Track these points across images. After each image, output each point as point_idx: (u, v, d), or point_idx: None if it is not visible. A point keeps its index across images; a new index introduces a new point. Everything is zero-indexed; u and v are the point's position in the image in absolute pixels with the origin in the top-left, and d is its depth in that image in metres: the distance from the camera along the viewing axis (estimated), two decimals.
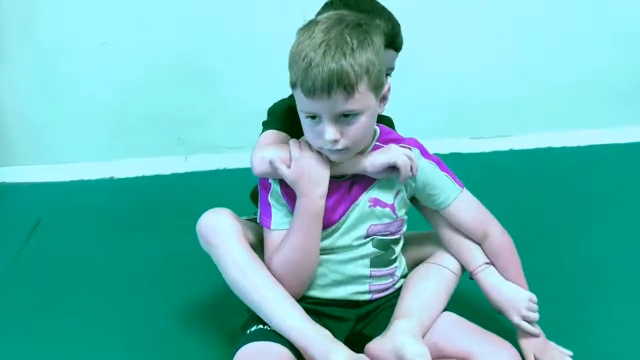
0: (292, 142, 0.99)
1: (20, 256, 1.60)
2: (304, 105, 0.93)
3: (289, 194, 1.01)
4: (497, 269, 1.08)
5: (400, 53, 1.92)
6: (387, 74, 1.09)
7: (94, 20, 1.90)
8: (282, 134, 1.06)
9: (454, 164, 1.96)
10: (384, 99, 0.98)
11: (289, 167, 0.97)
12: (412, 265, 1.13)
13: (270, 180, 1.03)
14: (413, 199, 1.08)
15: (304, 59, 0.89)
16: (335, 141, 0.93)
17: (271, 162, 0.97)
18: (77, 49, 1.92)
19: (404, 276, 1.12)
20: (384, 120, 1.15)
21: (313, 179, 0.96)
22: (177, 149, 2.03)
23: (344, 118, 0.92)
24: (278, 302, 0.99)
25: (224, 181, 1.94)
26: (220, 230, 1.03)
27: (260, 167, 0.99)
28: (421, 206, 1.09)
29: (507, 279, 1.07)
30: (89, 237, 1.67)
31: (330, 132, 0.92)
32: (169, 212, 1.78)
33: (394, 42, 1.12)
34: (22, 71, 1.95)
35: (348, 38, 0.89)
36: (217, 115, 2.00)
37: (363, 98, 0.91)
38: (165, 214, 1.77)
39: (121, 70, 1.95)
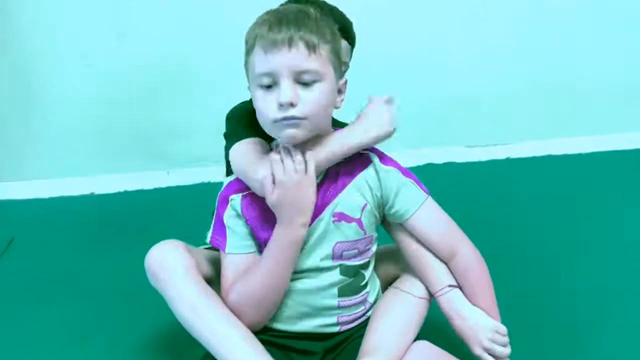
0: (274, 159, 0.89)
1: None
2: (261, 66, 0.86)
3: (253, 214, 0.94)
4: (464, 292, 0.96)
5: (393, 58, 1.86)
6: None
7: (72, 35, 1.86)
8: (258, 144, 0.97)
9: (448, 173, 1.97)
10: (340, 92, 0.92)
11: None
12: (388, 284, 1.04)
13: (230, 197, 0.95)
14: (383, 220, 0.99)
15: (263, 22, 0.87)
16: (292, 105, 0.85)
17: (261, 182, 0.89)
18: (55, 63, 1.88)
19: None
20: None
21: (296, 206, 0.88)
22: (160, 164, 1.97)
23: (302, 85, 0.86)
24: (230, 338, 0.91)
25: (207, 195, 1.84)
26: (167, 265, 0.95)
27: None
28: (385, 221, 1.00)
29: (474, 304, 0.95)
30: (64, 255, 1.61)
31: (287, 92, 0.84)
32: (152, 227, 1.70)
33: (347, 32, 1.05)
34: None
35: (311, 10, 0.89)
36: (199, 128, 1.94)
37: (324, 64, 0.87)
38: (148, 229, 1.69)
39: (100, 84, 1.90)
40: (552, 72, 1.97)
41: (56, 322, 1.33)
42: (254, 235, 0.95)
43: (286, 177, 0.87)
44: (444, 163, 1.98)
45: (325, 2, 1.07)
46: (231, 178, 0.97)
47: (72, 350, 1.23)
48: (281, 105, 0.85)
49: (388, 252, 1.05)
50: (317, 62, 0.85)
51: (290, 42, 0.84)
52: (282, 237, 0.90)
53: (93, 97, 1.91)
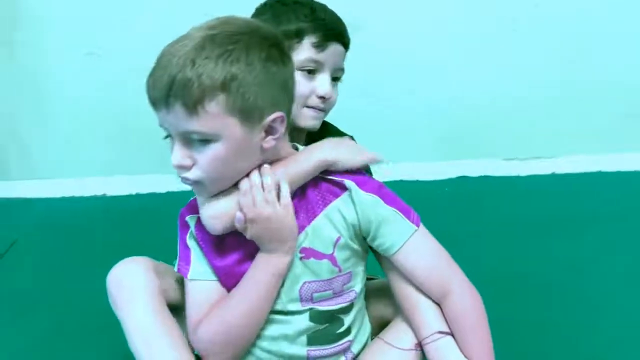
0: (242, 198, 0.78)
1: None
2: (157, 117, 0.77)
3: (204, 237, 0.83)
4: (455, 340, 0.83)
5: (426, 65, 1.76)
6: (336, 77, 0.97)
7: (85, 34, 1.84)
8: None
9: (483, 188, 1.88)
10: (271, 131, 0.77)
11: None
12: (381, 328, 0.90)
13: (187, 219, 0.84)
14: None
15: (156, 61, 0.76)
16: (182, 167, 0.76)
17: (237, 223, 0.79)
18: (68, 62, 1.86)
19: None
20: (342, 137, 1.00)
21: (276, 237, 0.79)
22: (172, 167, 1.89)
23: (197, 143, 0.75)
24: None
25: None
26: (126, 287, 0.85)
27: (218, 226, 0.80)
28: (375, 252, 0.88)
29: (465, 355, 0.82)
30: (71, 255, 1.60)
31: (174, 156, 0.76)
32: (162, 231, 1.63)
33: (340, 35, 0.95)
34: (11, 86, 1.90)
35: (208, 45, 0.73)
36: None
37: (215, 121, 0.73)
38: (158, 233, 1.63)
39: (115, 84, 1.86)
40: (605, 78, 1.83)
41: (61, 324, 1.29)
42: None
43: (256, 213, 0.77)
44: (479, 177, 1.87)
45: (317, 3, 0.98)
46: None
47: (74, 355, 1.19)
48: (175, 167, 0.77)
49: (384, 288, 0.91)
50: (202, 123, 0.72)
51: (166, 101, 0.72)
52: (264, 267, 0.80)
53: (107, 97, 1.88)
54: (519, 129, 1.88)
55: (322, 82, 0.92)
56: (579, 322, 1.21)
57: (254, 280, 0.80)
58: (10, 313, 1.36)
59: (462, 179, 1.87)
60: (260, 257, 0.80)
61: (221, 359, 0.82)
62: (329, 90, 0.93)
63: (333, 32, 0.93)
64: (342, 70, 0.97)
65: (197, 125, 0.72)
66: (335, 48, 0.93)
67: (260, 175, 0.78)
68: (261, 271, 0.80)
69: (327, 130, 1.00)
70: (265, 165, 0.79)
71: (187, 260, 0.84)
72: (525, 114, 1.86)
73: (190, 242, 0.84)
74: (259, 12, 0.97)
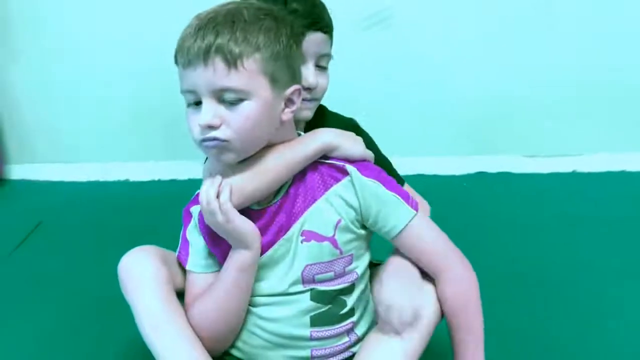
0: (201, 192, 0.82)
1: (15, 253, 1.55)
2: (182, 82, 0.79)
3: (205, 227, 0.86)
4: (447, 319, 0.86)
5: (448, 59, 1.73)
6: (321, 65, 0.95)
7: (108, 21, 1.86)
8: None
9: (502, 185, 1.85)
10: (290, 102, 0.82)
11: None
12: None
13: (191, 209, 0.88)
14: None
15: (186, 28, 0.78)
16: (211, 127, 0.77)
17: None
18: (96, 46, 1.89)
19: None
20: (345, 122, 1.00)
21: (233, 236, 0.82)
22: (195, 153, 1.90)
23: (227, 104, 0.77)
24: None
25: None
26: (135, 275, 0.88)
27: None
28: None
29: (455, 336, 0.86)
30: (92, 239, 1.62)
31: (205, 113, 0.76)
32: (180, 217, 1.66)
33: (316, 22, 0.94)
34: (37, 71, 1.94)
35: (244, 12, 0.78)
36: None
37: (250, 78, 0.77)
38: (178, 220, 1.66)
39: (138, 71, 1.88)
40: (630, 77, 1.78)
41: (82, 304, 1.31)
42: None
43: (208, 217, 0.81)
44: (498, 173, 1.85)
45: None
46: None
47: (94, 333, 1.21)
48: (202, 127, 0.78)
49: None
50: (240, 79, 0.76)
51: (205, 57, 0.75)
52: (232, 261, 0.84)
53: (134, 85, 1.90)
54: (540, 126, 1.84)
55: (305, 73, 0.90)
56: (599, 325, 1.17)
57: (223, 275, 0.84)
58: (34, 291, 1.39)
59: (481, 174, 1.85)
60: (230, 253, 0.84)
61: (209, 341, 0.86)
62: (313, 80, 0.91)
63: (307, 21, 0.90)
64: (327, 56, 0.95)
65: (236, 80, 0.75)
66: (313, 37, 0.91)
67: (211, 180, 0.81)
68: (229, 266, 0.84)
69: (325, 117, 1.00)
70: (208, 179, 0.81)
71: (185, 252, 0.89)
72: (547, 110, 1.82)
73: (190, 236, 0.88)
74: None
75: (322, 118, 0.99)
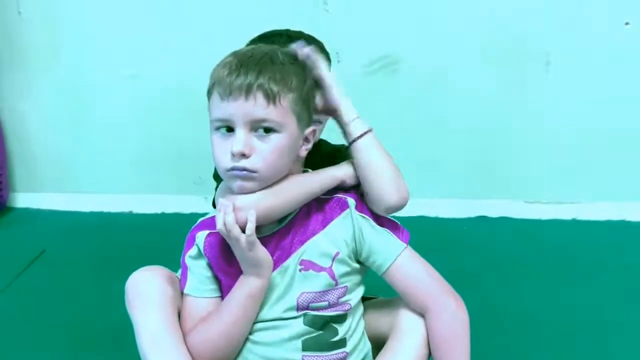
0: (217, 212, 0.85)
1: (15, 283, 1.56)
2: (216, 111, 0.84)
3: (214, 254, 0.89)
4: (434, 354, 0.89)
5: (455, 96, 1.65)
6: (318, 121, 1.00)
7: (120, 55, 1.90)
8: None
9: (502, 230, 1.86)
10: (306, 141, 0.89)
11: None
12: (380, 343, 0.93)
13: (197, 235, 0.91)
14: None
15: (225, 65, 0.84)
16: (243, 155, 0.82)
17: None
18: (105, 80, 1.93)
19: None
20: (342, 150, 1.03)
21: (248, 262, 0.86)
22: (198, 188, 1.94)
23: (260, 134, 0.83)
24: None
25: None
26: (141, 292, 0.90)
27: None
28: None
29: None
30: (94, 270, 1.63)
31: (239, 141, 0.82)
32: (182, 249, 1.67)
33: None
34: (49, 101, 1.97)
35: (279, 54, 0.86)
36: None
37: (284, 114, 0.83)
38: (179, 251, 1.66)
39: (146, 106, 1.93)
40: (631, 126, 1.80)
41: (83, 335, 1.32)
42: (216, 276, 0.90)
43: (232, 243, 0.84)
44: (499, 217, 1.86)
45: (301, 32, 1.04)
46: (208, 216, 0.93)
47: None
48: (233, 155, 0.82)
49: (382, 306, 0.96)
50: (276, 113, 0.83)
51: (248, 91, 0.81)
52: (242, 287, 0.86)
53: (140, 118, 1.94)
54: (541, 173, 1.86)
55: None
56: None
57: (230, 300, 0.87)
58: (37, 317, 1.39)
59: (482, 218, 1.86)
60: (240, 279, 0.86)
61: None
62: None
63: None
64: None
65: (272, 114, 0.82)
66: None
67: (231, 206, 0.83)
68: (238, 292, 0.86)
69: (319, 146, 1.04)
70: (224, 203, 0.83)
71: (184, 276, 0.91)
72: (549, 158, 1.84)
73: (189, 259, 0.90)
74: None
75: (315, 147, 1.01)
